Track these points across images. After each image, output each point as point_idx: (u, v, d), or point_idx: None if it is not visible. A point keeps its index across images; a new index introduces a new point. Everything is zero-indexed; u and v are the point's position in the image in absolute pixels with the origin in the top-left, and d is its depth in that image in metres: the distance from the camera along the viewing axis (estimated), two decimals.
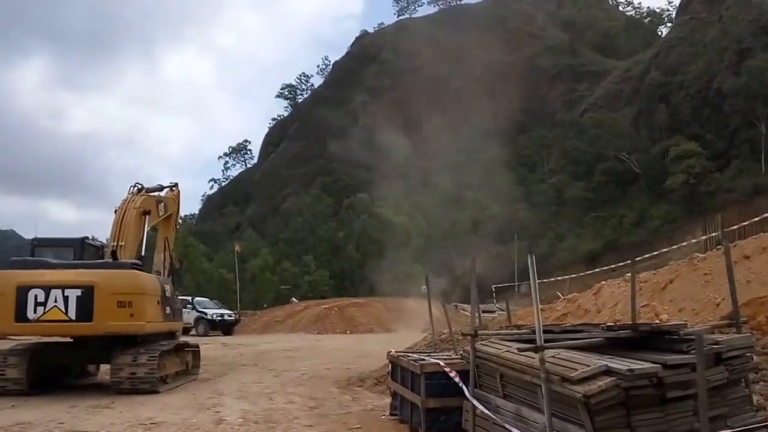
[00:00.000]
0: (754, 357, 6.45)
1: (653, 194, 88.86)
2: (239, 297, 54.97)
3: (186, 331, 25.74)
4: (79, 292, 12.30)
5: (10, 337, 13.43)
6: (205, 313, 38.01)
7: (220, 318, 38.89)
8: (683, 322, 7.00)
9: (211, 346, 24.01)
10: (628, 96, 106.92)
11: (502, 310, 16.40)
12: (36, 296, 12.21)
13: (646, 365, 5.14)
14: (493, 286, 19.15)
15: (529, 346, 5.92)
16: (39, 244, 14.73)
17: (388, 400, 10.20)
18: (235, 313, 43.20)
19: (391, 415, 9.78)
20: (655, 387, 5.12)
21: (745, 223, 16.99)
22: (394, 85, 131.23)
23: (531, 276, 5.73)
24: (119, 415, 10.33)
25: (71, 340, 13.55)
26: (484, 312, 22.31)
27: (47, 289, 12.27)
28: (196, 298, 39.58)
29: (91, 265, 13.33)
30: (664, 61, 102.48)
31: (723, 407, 5.36)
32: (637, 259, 9.70)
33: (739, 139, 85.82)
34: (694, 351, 4.51)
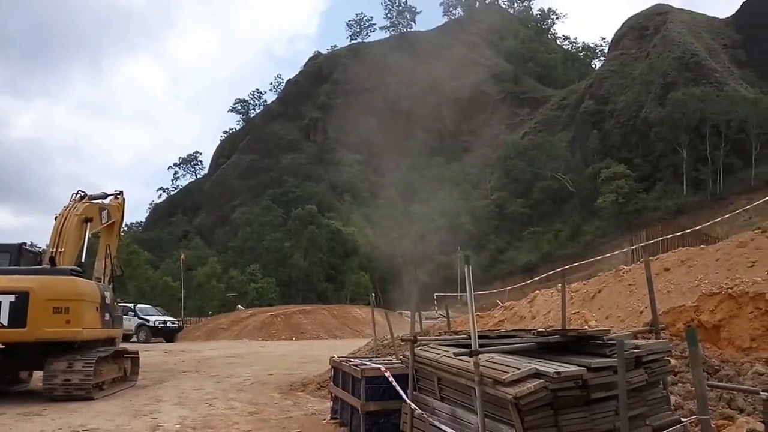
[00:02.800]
0: (672, 361, 6.65)
1: (586, 211, 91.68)
2: (184, 304, 53.85)
3: (127, 338, 25.00)
4: (12, 297, 11.77)
5: None
6: (147, 320, 36.93)
7: (162, 325, 37.85)
8: (607, 328, 7.19)
9: (152, 353, 23.33)
10: (564, 122, 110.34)
11: (443, 317, 16.55)
12: None
13: (573, 368, 5.23)
14: (435, 294, 19.38)
15: (464, 350, 5.96)
16: None
17: (329, 404, 10.08)
18: (178, 320, 42.22)
19: (331, 419, 9.69)
20: (580, 389, 5.21)
21: (660, 239, 17.62)
22: (345, 104, 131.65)
23: (467, 284, 5.80)
24: (50, 422, 9.82)
25: (2, 346, 12.94)
26: (426, 319, 22.39)
27: None
28: (139, 305, 38.49)
29: (27, 271, 12.74)
30: (597, 91, 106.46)
31: (642, 407, 5.49)
32: (566, 268, 9.93)
33: (663, 163, 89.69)
34: (616, 355, 4.62)
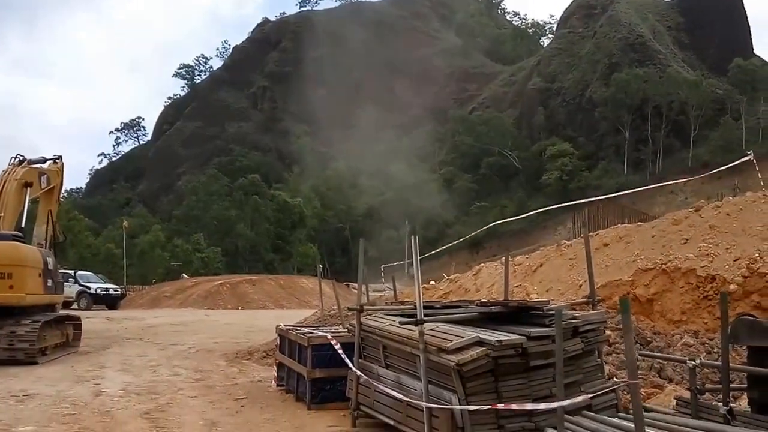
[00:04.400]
0: (608, 332, 6.97)
1: (531, 188, 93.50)
2: (126, 272, 52.71)
3: (67, 305, 24.39)
4: None
5: None
6: (89, 287, 36.04)
7: (104, 292, 36.98)
8: (547, 300, 7.46)
9: (94, 320, 22.86)
10: (512, 98, 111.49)
11: (390, 289, 16.72)
12: None
13: (514, 337, 5.45)
14: (383, 266, 19.51)
15: (410, 319, 6.11)
16: None
17: (275, 372, 10.15)
18: (121, 288, 41.33)
19: (277, 386, 9.78)
20: (520, 356, 5.43)
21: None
22: (294, 73, 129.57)
23: (414, 256, 5.92)
24: None
25: None
26: (373, 291, 22.59)
27: None
28: (79, 272, 37.49)
29: None
30: (545, 69, 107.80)
31: (578, 374, 5.76)
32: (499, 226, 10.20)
33: (606, 142, 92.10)
34: (555, 325, 4.82)
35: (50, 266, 14.32)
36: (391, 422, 6.37)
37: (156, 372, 11.60)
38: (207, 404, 8.53)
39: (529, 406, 5.09)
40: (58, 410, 8.00)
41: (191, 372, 11.58)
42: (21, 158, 14.89)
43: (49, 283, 14.16)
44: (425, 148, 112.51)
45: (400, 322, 6.53)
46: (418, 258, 6.00)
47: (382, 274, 19.74)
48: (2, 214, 13.51)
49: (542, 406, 4.86)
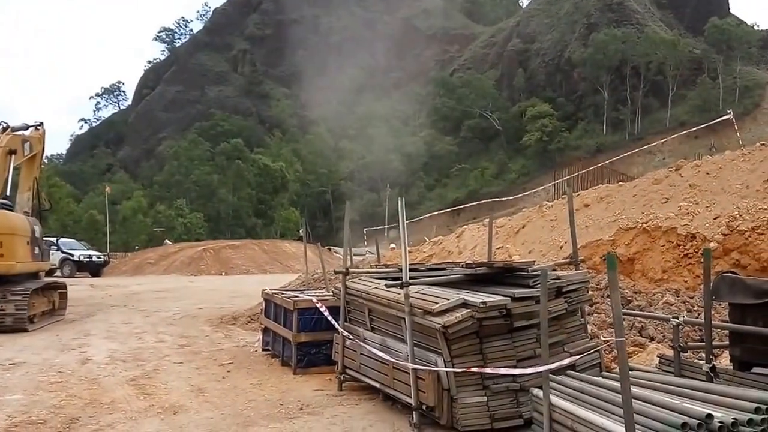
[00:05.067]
0: (590, 291, 6.99)
1: (511, 149, 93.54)
2: (109, 239, 52.21)
3: (50, 272, 24.15)
4: None
5: None
6: (72, 254, 35.69)
7: (87, 259, 36.68)
8: (532, 261, 7.45)
9: (78, 288, 22.68)
10: (492, 60, 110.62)
11: (372, 254, 16.74)
12: None
13: (498, 298, 5.42)
14: (365, 229, 19.45)
15: (395, 282, 6.06)
16: None
17: (260, 336, 10.13)
18: (104, 255, 40.98)
19: (263, 350, 9.76)
20: (504, 318, 5.41)
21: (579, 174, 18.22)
22: (274, 35, 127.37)
23: (400, 219, 5.84)
24: None
25: None
26: (355, 255, 22.61)
27: None
28: (62, 239, 37.09)
29: None
30: (524, 29, 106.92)
31: (562, 335, 5.77)
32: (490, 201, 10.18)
33: (585, 103, 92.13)
34: (539, 285, 4.80)
35: (37, 234, 14.26)
36: (377, 385, 6.37)
37: (141, 339, 11.52)
38: (193, 370, 8.49)
39: (516, 371, 5.09)
40: (45, 378, 7.94)
41: (176, 338, 11.52)
42: (4, 125, 14.54)
43: (36, 250, 14.09)
44: (406, 111, 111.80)
45: (385, 285, 6.49)
46: (405, 221, 5.92)
47: (365, 238, 19.73)
48: None
49: (529, 370, 4.85)
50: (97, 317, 15.23)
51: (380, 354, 6.20)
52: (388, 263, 10.87)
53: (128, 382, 7.71)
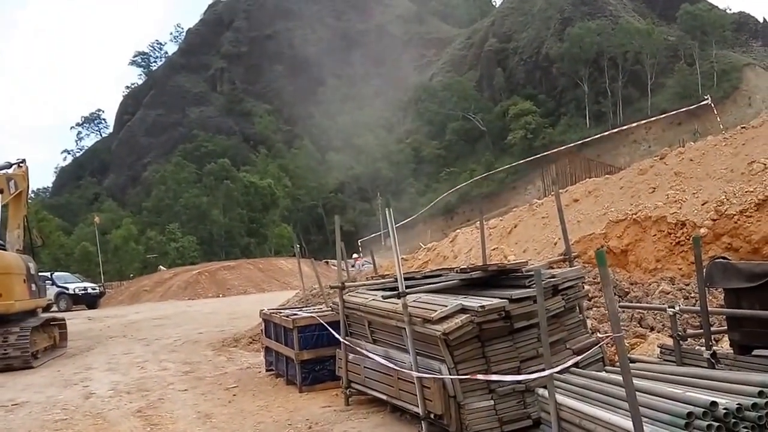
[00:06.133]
0: (586, 286, 7.03)
1: (497, 149, 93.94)
2: (103, 269, 51.90)
3: (47, 308, 24.01)
4: None
5: None
6: (67, 288, 35.47)
7: (83, 291, 36.44)
8: (525, 261, 7.50)
9: (76, 321, 22.52)
10: (471, 61, 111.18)
11: (369, 263, 16.74)
12: None
13: (496, 301, 5.46)
14: (359, 240, 19.46)
15: (392, 293, 6.09)
16: None
17: (263, 357, 10.10)
18: (99, 286, 40.70)
19: (267, 371, 9.74)
20: (503, 320, 5.45)
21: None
22: (250, 52, 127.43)
23: (390, 229, 5.87)
24: None
25: None
26: (352, 266, 22.62)
27: None
28: (56, 273, 36.85)
29: None
30: (500, 29, 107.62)
31: (562, 332, 5.81)
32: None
33: (566, 98, 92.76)
34: (534, 285, 4.83)
35: (32, 271, 14.38)
36: (384, 397, 6.38)
37: (144, 368, 11.48)
38: (199, 396, 8.47)
39: (522, 377, 5.11)
40: (49, 417, 7.90)
41: (179, 365, 11.48)
42: None
43: (33, 287, 14.23)
44: (390, 119, 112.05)
45: (383, 296, 6.51)
46: (395, 230, 5.96)
47: (360, 249, 19.75)
48: None
49: (534, 376, 4.87)
50: (97, 349, 15.16)
51: (384, 365, 6.22)
52: (385, 273, 10.89)
53: (134, 413, 7.69)
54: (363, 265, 21.31)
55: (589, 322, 6.81)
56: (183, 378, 10.09)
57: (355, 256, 22.30)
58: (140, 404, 8.23)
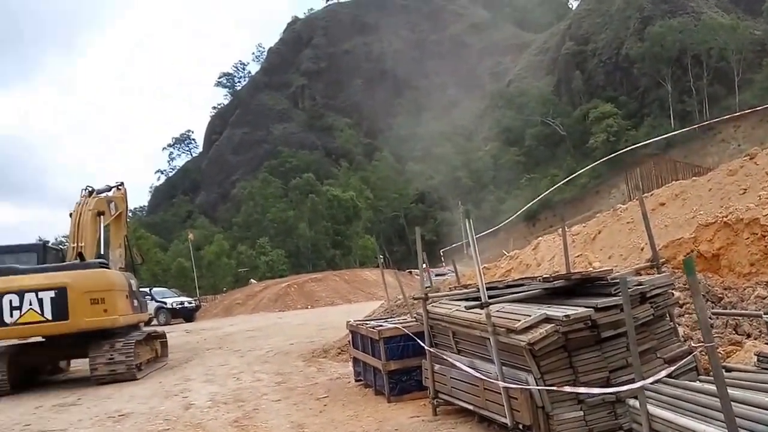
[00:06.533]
0: (677, 293, 6.77)
1: (579, 153, 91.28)
2: (197, 284, 54.11)
3: (148, 322, 25.32)
4: (52, 293, 12.35)
5: None
6: (165, 303, 37.25)
7: (180, 306, 38.19)
8: (610, 268, 7.30)
9: (174, 334, 23.52)
10: (548, 65, 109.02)
11: (452, 272, 16.68)
12: (11, 301, 12.27)
13: (581, 310, 5.35)
14: (441, 250, 19.47)
15: (475, 303, 6.09)
16: (1, 251, 14.38)
17: (352, 368, 10.26)
18: (195, 300, 42.49)
19: (356, 381, 9.88)
20: (590, 329, 5.34)
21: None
22: (329, 68, 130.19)
23: (470, 238, 5.89)
24: (86, 411, 10.07)
25: (43, 339, 13.49)
26: (436, 275, 22.61)
27: (21, 293, 12.32)
28: (155, 289, 38.75)
29: (61, 267, 13.31)
30: (577, 31, 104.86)
31: (652, 341, 5.63)
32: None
33: (649, 98, 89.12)
34: (621, 293, 4.72)
35: (134, 287, 15.16)
36: (471, 407, 6.37)
37: (239, 379, 11.88)
38: (291, 406, 8.70)
39: (612, 390, 4.97)
40: (153, 427, 8.26)
41: (272, 376, 11.80)
42: (90, 189, 15.66)
43: (135, 303, 14.99)
44: (467, 127, 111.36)
45: (465, 307, 6.51)
46: (475, 240, 5.96)
47: (442, 259, 19.73)
48: (83, 245, 14.32)
49: (625, 388, 4.73)
50: (195, 361, 15.81)
51: (470, 375, 6.21)
52: (468, 283, 10.84)
53: (231, 424, 7.96)
54: (435, 276, 21.25)
55: (681, 330, 6.56)
56: (276, 388, 10.38)
57: (424, 266, 22.14)
58: (237, 414, 8.52)
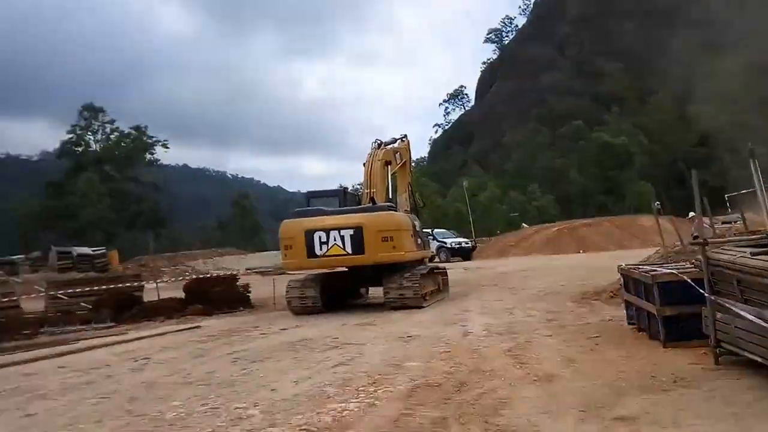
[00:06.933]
0: None
1: None
2: (473, 227, 55.92)
3: (431, 259, 27.13)
4: (351, 231, 14.08)
5: (304, 270, 15.40)
6: (445, 242, 39.41)
7: (458, 245, 40.07)
8: None
9: (453, 271, 24.75)
10: None
11: (740, 220, 14.68)
12: (320, 237, 14.21)
13: None
14: (726, 195, 17.10)
15: (763, 249, 5.41)
16: (312, 196, 16.96)
17: (624, 311, 9.84)
18: (471, 241, 44.09)
19: (629, 324, 9.49)
20: None
21: None
22: (596, 14, 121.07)
23: (756, 180, 5.22)
24: (381, 330, 11.29)
25: (346, 269, 15.46)
26: (722, 223, 20.24)
27: (327, 231, 14.22)
28: (436, 230, 41.03)
29: (357, 210, 15.07)
30: None
31: None
32: None
33: None
34: None
35: (417, 228, 16.37)
36: (759, 359, 5.74)
37: (512, 314, 12.20)
38: (561, 342, 8.71)
39: None
40: (435, 349, 8.89)
41: (543, 313, 11.88)
42: (379, 142, 17.17)
43: (419, 241, 16.20)
44: (760, 62, 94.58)
45: (751, 253, 5.82)
46: (761, 182, 5.27)
47: (728, 205, 17.53)
48: (374, 190, 15.94)
49: None
50: (472, 295, 16.62)
51: (758, 325, 5.58)
52: (757, 230, 9.55)
53: (504, 353, 8.25)
54: (721, 225, 18.80)
55: None
56: (547, 325, 10.45)
57: (691, 214, 19.77)
58: (510, 345, 8.80)
